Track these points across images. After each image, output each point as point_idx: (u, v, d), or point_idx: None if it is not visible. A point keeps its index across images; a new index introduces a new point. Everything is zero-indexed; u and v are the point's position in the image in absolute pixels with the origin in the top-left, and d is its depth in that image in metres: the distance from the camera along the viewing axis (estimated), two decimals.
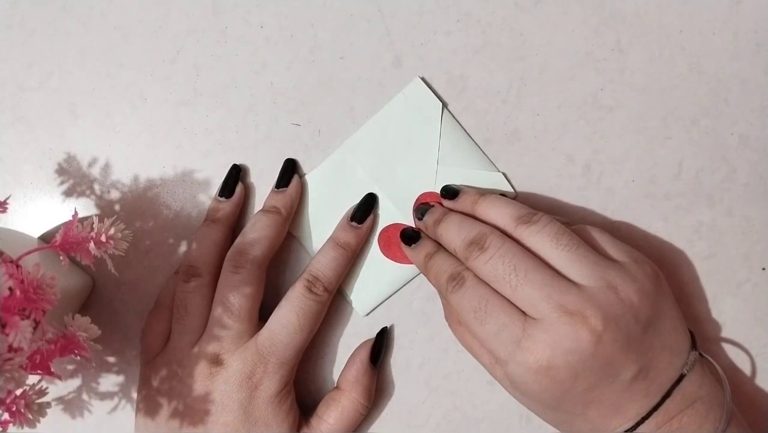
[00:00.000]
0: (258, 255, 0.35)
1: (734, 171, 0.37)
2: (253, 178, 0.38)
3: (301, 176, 0.37)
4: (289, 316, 0.34)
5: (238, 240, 0.35)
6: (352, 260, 0.36)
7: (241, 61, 0.38)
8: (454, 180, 0.37)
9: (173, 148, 0.38)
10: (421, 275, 0.37)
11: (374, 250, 0.37)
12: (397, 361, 0.38)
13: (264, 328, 0.34)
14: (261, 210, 0.36)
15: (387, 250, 0.37)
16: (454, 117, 0.37)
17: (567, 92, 0.38)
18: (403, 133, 0.37)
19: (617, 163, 0.37)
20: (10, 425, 0.28)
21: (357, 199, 0.37)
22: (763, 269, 0.37)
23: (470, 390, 0.38)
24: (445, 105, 0.37)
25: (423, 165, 0.37)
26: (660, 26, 0.37)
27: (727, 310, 0.38)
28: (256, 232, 0.35)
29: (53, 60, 0.38)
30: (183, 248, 0.38)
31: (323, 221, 0.37)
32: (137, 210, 0.38)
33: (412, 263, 0.37)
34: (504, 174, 0.37)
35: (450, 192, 0.36)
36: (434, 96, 0.37)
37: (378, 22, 0.38)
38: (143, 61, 0.38)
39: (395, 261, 0.37)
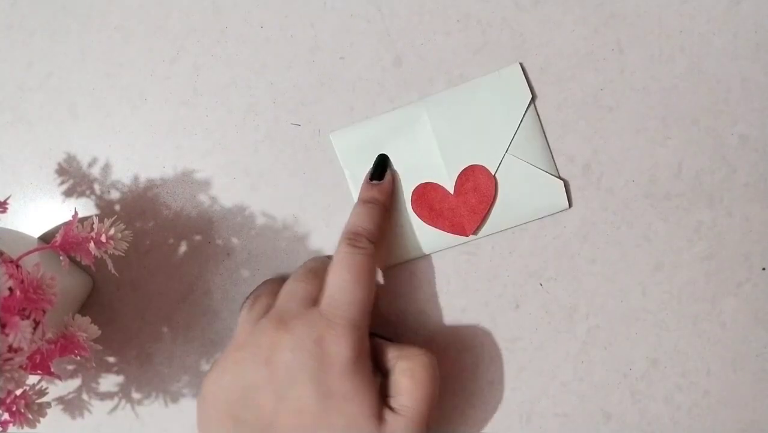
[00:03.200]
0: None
1: (734, 171, 0.37)
2: (254, 178, 0.38)
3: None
4: (342, 273, 0.33)
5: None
6: (384, 212, 0.37)
7: (241, 61, 0.38)
8: (515, 171, 0.37)
9: (173, 148, 0.38)
10: (439, 254, 0.38)
11: (403, 209, 0.38)
12: None
13: (321, 294, 0.33)
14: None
15: (416, 206, 0.37)
16: (537, 114, 0.37)
17: (567, 92, 0.38)
18: (485, 110, 0.37)
19: (617, 163, 0.37)
20: (10, 425, 0.28)
21: (414, 149, 0.37)
22: (763, 269, 0.37)
23: (470, 390, 0.38)
24: (534, 98, 0.37)
25: (492, 146, 0.37)
26: (660, 26, 0.37)
27: (727, 310, 0.38)
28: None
29: (53, 60, 0.38)
30: (183, 248, 0.38)
31: (373, 155, 0.38)
32: (137, 210, 0.38)
33: (438, 227, 0.37)
34: (565, 182, 0.37)
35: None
36: (527, 86, 0.37)
37: (378, 22, 0.38)
38: (143, 61, 0.38)
39: (421, 219, 0.37)
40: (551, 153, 0.37)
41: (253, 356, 0.31)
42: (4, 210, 0.31)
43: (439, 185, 0.37)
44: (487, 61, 0.38)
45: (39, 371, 0.30)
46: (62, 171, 0.38)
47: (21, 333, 0.27)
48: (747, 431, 0.37)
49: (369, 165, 0.37)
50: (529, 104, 0.37)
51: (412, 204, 0.37)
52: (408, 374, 0.32)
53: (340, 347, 0.31)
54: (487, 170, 0.37)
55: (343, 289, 0.32)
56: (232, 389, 0.31)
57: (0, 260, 0.29)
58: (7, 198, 0.32)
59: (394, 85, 0.38)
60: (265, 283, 0.36)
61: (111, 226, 0.32)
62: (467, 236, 0.37)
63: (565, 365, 0.38)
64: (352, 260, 0.33)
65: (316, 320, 0.31)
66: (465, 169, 0.37)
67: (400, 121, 0.37)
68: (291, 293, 0.33)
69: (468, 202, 0.37)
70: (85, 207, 0.38)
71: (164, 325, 0.38)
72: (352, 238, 0.34)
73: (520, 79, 0.37)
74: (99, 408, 0.38)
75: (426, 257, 0.38)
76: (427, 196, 0.37)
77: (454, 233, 0.37)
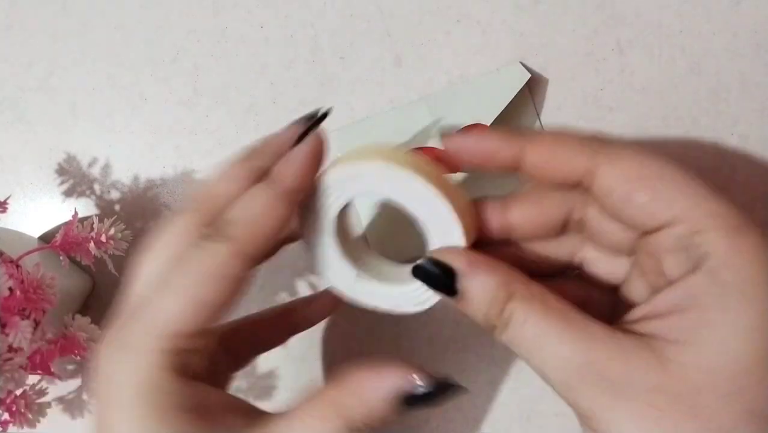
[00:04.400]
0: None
1: (734, 171, 0.37)
2: None
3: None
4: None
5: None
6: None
7: (241, 61, 0.38)
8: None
9: (173, 148, 0.38)
10: None
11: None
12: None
13: None
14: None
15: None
16: (537, 113, 0.37)
17: (567, 92, 0.38)
18: (486, 105, 0.36)
19: None
20: (10, 425, 0.28)
21: (415, 145, 0.35)
22: None
23: (471, 390, 0.38)
24: (534, 98, 0.37)
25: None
26: (660, 26, 0.37)
27: None
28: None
29: (53, 60, 0.38)
30: None
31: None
32: (137, 210, 0.38)
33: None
34: None
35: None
36: (527, 84, 0.36)
37: (378, 22, 0.38)
38: (143, 61, 0.38)
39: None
40: None
41: None
42: (4, 210, 0.31)
43: (429, 147, 0.36)
44: (487, 61, 0.38)
45: (39, 371, 0.30)
46: (62, 171, 0.38)
47: (21, 333, 0.27)
48: None
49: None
50: (529, 103, 0.37)
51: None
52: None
53: None
54: (481, 125, 0.35)
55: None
56: None
57: (0, 260, 0.29)
58: (7, 198, 0.32)
59: (394, 85, 0.38)
60: None
61: (111, 226, 0.32)
62: (455, 173, 0.35)
63: None
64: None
65: None
66: (459, 130, 0.35)
67: (400, 118, 0.37)
68: None
69: None
70: (85, 207, 0.38)
71: None
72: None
73: (521, 78, 0.37)
74: None
75: None
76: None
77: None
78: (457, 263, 0.23)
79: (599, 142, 0.22)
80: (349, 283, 0.27)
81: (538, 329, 0.21)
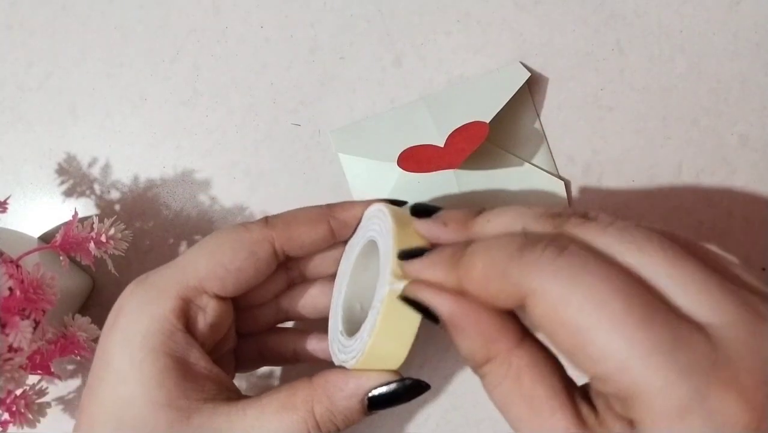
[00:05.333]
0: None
1: (734, 171, 0.37)
2: (253, 178, 0.38)
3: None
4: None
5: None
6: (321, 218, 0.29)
7: (241, 61, 0.38)
8: (515, 171, 0.36)
9: (173, 148, 0.38)
10: None
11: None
12: None
13: None
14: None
15: (403, 163, 0.34)
16: (537, 113, 0.37)
17: (567, 92, 0.38)
18: (486, 104, 0.35)
19: (617, 163, 0.37)
20: (10, 425, 0.28)
21: (415, 143, 0.35)
22: (763, 269, 0.37)
23: (470, 390, 0.38)
24: (534, 97, 0.36)
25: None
26: (660, 26, 0.37)
27: None
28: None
29: (53, 60, 0.38)
30: (183, 248, 0.38)
31: (373, 153, 0.37)
32: (137, 210, 0.38)
33: (423, 171, 0.34)
34: (565, 182, 0.37)
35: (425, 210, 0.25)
36: (526, 84, 0.36)
37: (378, 22, 0.38)
38: (143, 61, 0.38)
39: (407, 170, 0.35)
40: (551, 153, 0.37)
41: None
42: (4, 210, 0.31)
43: (429, 144, 0.35)
44: (487, 61, 0.38)
45: (39, 371, 0.30)
46: (62, 171, 0.38)
47: (21, 333, 0.27)
48: None
49: (368, 163, 0.37)
50: (529, 103, 0.37)
51: (398, 163, 0.34)
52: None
53: None
54: (480, 122, 0.34)
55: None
56: None
57: (0, 260, 0.29)
58: (7, 198, 0.32)
59: (394, 85, 0.38)
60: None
61: (111, 226, 0.32)
62: (454, 168, 0.35)
63: (566, 363, 0.37)
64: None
65: None
66: (459, 128, 0.35)
67: (400, 118, 0.37)
68: None
69: (457, 145, 0.34)
70: (85, 207, 0.38)
71: None
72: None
73: (520, 77, 0.37)
74: None
75: None
76: (415, 155, 0.35)
77: (440, 170, 0.35)
78: (438, 306, 0.23)
79: (529, 264, 0.20)
80: (333, 335, 0.28)
81: (502, 403, 0.21)
